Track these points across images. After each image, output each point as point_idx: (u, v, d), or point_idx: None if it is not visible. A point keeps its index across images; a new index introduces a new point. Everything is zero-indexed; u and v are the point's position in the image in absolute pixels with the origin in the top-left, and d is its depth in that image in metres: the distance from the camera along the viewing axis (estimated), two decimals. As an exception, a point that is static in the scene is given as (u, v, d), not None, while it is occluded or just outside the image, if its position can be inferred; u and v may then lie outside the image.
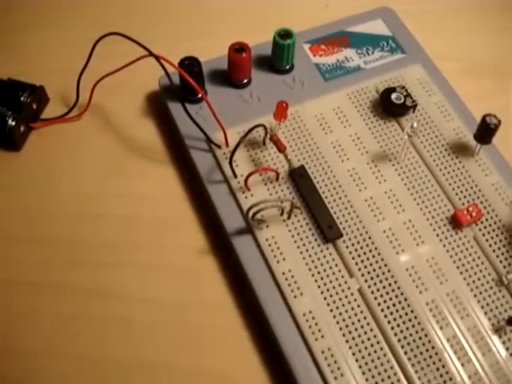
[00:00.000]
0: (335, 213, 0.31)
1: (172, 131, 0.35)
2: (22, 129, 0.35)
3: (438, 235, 0.31)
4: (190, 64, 0.33)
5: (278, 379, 0.29)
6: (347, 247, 0.30)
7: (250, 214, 0.30)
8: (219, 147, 0.33)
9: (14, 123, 0.34)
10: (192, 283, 0.31)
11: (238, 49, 0.33)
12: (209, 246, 0.32)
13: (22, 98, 0.35)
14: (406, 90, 0.33)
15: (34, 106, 0.35)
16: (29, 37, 0.39)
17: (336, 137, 0.33)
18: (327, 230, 0.30)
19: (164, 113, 0.36)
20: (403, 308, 0.29)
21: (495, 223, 0.31)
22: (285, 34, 0.34)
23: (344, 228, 0.31)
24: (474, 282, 0.30)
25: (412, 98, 0.33)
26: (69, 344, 0.30)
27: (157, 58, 0.31)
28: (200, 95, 0.34)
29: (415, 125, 0.30)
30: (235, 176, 0.32)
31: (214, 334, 0.30)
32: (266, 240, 0.30)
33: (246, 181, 0.31)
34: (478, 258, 0.30)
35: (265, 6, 0.41)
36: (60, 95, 0.37)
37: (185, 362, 0.29)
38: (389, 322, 0.29)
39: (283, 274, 0.30)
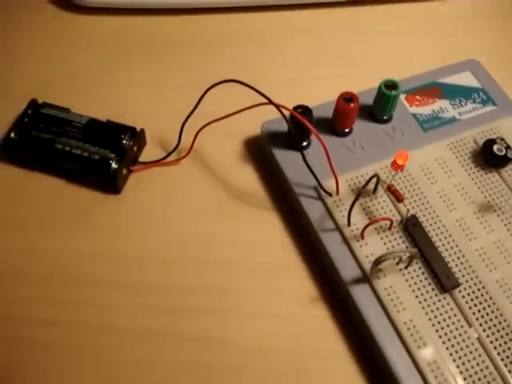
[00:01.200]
0: (448, 262, 0.32)
1: (274, 177, 0.35)
2: (123, 172, 0.35)
3: (551, 281, 0.32)
4: (303, 112, 0.33)
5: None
6: (463, 297, 0.31)
7: (376, 264, 0.30)
8: (330, 195, 0.33)
9: (116, 166, 0.34)
10: (302, 330, 0.32)
11: (348, 99, 0.34)
12: (319, 293, 0.32)
13: (123, 141, 0.35)
14: (505, 142, 0.34)
15: (135, 149, 0.35)
16: (126, 77, 0.40)
17: (441, 187, 0.34)
18: (445, 279, 0.31)
19: (264, 159, 0.36)
20: (524, 355, 0.30)
21: None
22: (391, 85, 0.34)
23: (459, 278, 0.31)
24: None
25: (512, 149, 0.34)
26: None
27: (277, 106, 0.31)
28: (306, 143, 0.34)
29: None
30: (349, 225, 0.32)
31: (329, 381, 0.30)
32: (385, 289, 0.31)
33: (363, 230, 0.31)
34: None
35: (347, 57, 0.42)
36: (157, 138, 0.37)
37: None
38: (510, 372, 0.29)
39: (405, 323, 0.30)
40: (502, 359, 0.29)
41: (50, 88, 0.38)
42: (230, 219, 0.34)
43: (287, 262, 0.33)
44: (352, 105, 0.34)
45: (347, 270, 0.31)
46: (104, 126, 0.35)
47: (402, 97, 0.37)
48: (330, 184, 0.33)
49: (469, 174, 0.34)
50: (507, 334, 0.30)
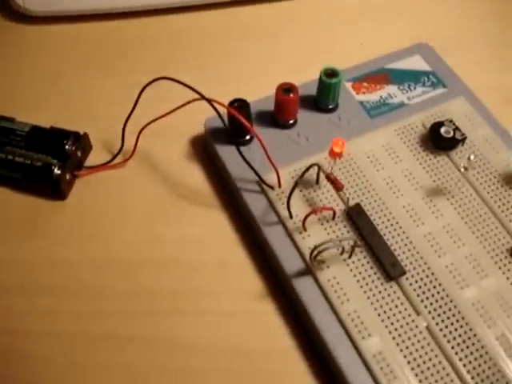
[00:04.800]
0: (395, 250, 0.31)
1: (219, 174, 0.35)
2: (67, 177, 0.34)
3: (500, 268, 0.30)
4: (239, 106, 0.33)
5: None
6: (411, 284, 0.30)
7: (313, 254, 0.29)
8: (272, 188, 0.32)
9: (59, 172, 0.34)
10: (252, 328, 0.31)
11: (286, 89, 0.33)
12: (266, 289, 0.32)
13: (66, 147, 0.34)
14: (454, 124, 0.33)
15: (79, 154, 0.35)
16: (70, 83, 0.40)
17: (388, 173, 0.33)
18: (390, 267, 0.30)
19: (209, 156, 0.36)
20: (473, 344, 0.28)
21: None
22: (331, 73, 0.34)
23: (406, 265, 0.30)
24: (543, 313, 0.29)
25: (461, 131, 0.33)
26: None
27: (209, 101, 0.31)
28: (249, 137, 0.34)
29: (472, 157, 0.30)
30: (291, 217, 0.31)
31: (279, 380, 0.30)
32: (328, 281, 0.30)
33: (303, 221, 0.31)
34: (545, 289, 0.30)
35: (298, 47, 0.41)
36: (103, 142, 0.37)
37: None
38: (460, 360, 0.28)
39: (349, 314, 0.29)
40: (453, 347, 0.28)
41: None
42: (177, 219, 0.34)
43: (235, 260, 0.33)
44: (291, 95, 0.33)
45: (290, 262, 0.31)
46: (47, 132, 0.35)
47: (349, 85, 0.36)
48: (273, 177, 0.32)
49: (417, 159, 0.33)
50: (457, 321, 0.29)
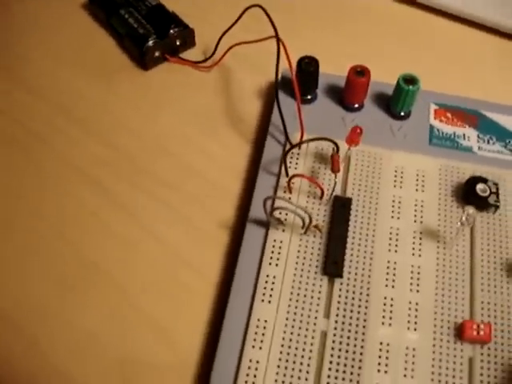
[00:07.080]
0: (351, 255, 0.29)
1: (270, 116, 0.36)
2: (156, 54, 0.38)
3: (434, 332, 0.28)
4: (307, 63, 0.33)
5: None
6: (340, 290, 0.28)
7: (268, 205, 0.29)
8: (290, 144, 0.33)
9: (152, 45, 0.37)
10: (195, 243, 0.32)
11: (359, 72, 0.33)
12: (233, 223, 0.33)
13: (170, 31, 0.38)
14: (497, 189, 0.31)
15: (178, 43, 0.38)
16: None
17: (401, 193, 0.31)
18: (331, 263, 0.29)
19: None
20: (351, 380, 0.26)
21: (502, 357, 0.27)
22: (410, 80, 0.33)
23: (349, 272, 0.29)
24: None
25: (498, 198, 0.30)
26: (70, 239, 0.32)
27: (278, 43, 0.32)
28: (310, 97, 0.35)
29: (471, 211, 0.28)
30: (286, 174, 0.32)
31: (185, 298, 0.30)
32: (274, 241, 0.30)
33: (289, 181, 0.31)
34: (460, 378, 0.27)
35: (424, 59, 0.40)
36: (205, 45, 0.40)
37: (143, 303, 0.30)
38: (328, 377, 0.26)
39: (267, 276, 0.29)
40: (330, 369, 0.27)
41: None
42: (209, 133, 0.36)
43: (227, 184, 0.34)
44: (363, 79, 0.33)
45: (258, 209, 0.31)
46: (165, 13, 0.39)
47: (433, 107, 0.34)
48: (299, 136, 0.33)
49: (439, 199, 0.31)
50: (355, 346, 0.27)
